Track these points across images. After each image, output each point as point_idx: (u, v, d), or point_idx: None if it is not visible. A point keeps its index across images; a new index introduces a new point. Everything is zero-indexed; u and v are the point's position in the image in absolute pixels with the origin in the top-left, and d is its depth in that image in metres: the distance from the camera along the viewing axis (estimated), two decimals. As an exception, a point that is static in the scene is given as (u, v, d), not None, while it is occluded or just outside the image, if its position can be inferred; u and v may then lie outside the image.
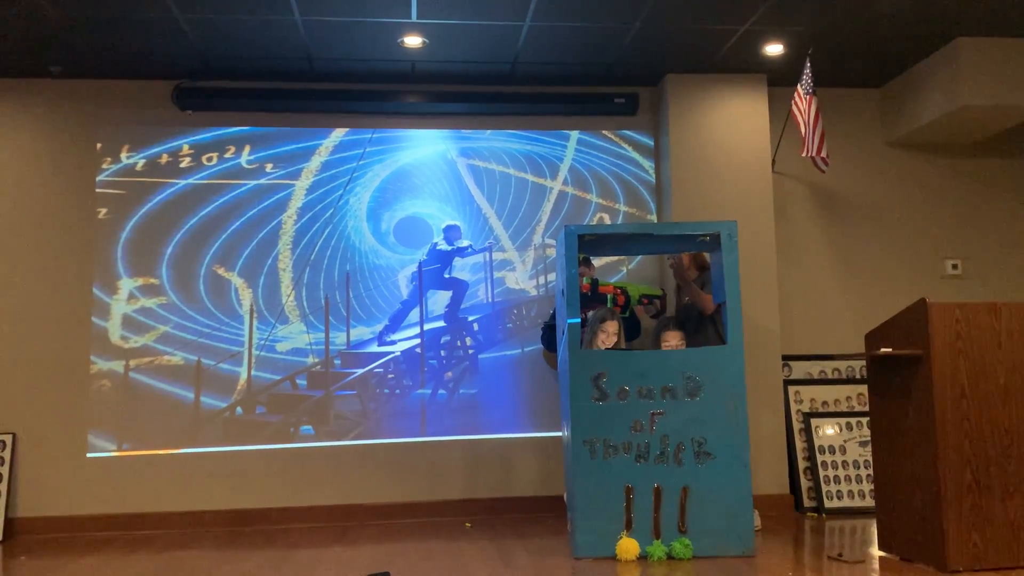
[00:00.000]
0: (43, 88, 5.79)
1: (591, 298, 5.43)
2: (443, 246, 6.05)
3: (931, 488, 3.96)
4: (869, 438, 5.71)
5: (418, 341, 5.94)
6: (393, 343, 5.92)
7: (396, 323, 5.95)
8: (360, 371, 5.86)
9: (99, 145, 5.82)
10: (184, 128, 5.88)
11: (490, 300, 6.06)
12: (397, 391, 5.88)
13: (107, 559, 4.70)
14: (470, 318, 6.02)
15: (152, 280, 5.77)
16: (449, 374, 5.95)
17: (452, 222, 6.07)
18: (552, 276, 6.08)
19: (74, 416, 5.60)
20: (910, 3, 4.92)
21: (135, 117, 5.86)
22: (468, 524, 5.49)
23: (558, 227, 6.08)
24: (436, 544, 4.89)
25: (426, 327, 5.97)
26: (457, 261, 6.06)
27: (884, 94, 6.35)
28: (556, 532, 5.13)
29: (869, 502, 5.64)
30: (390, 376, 5.89)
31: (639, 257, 6.14)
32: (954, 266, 6.32)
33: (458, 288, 6.05)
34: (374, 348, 5.89)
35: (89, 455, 5.58)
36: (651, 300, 5.55)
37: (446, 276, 6.04)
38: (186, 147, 5.89)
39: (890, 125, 6.28)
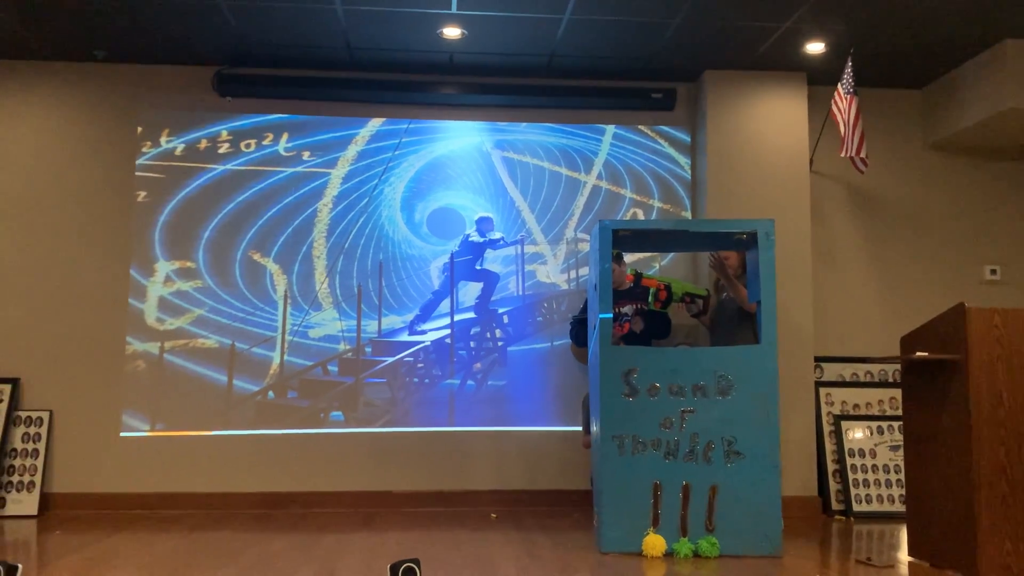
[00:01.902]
0: (87, 72, 5.88)
1: (633, 290, 5.41)
2: (475, 238, 6.07)
3: (964, 495, 3.91)
4: (900, 442, 5.66)
5: (448, 331, 5.97)
6: (424, 333, 5.95)
7: (427, 313, 5.98)
8: (390, 359, 5.89)
9: (139, 129, 5.90)
10: (223, 114, 5.95)
11: (521, 293, 6.07)
12: (426, 380, 5.91)
13: (138, 536, 4.78)
14: (500, 310, 6.04)
15: (188, 264, 5.84)
16: (478, 365, 5.97)
17: (485, 214, 6.08)
18: (584, 270, 6.07)
19: (109, 395, 5.69)
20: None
21: (175, 102, 5.93)
22: (494, 515, 5.52)
23: (591, 221, 6.07)
24: (462, 533, 4.92)
25: (456, 318, 6.00)
26: (489, 253, 6.07)
27: (926, 95, 6.26)
28: (581, 526, 5.13)
29: (898, 507, 5.59)
30: (420, 365, 5.92)
31: (671, 254, 6.11)
32: (993, 271, 6.23)
33: (489, 280, 6.06)
34: (405, 337, 5.93)
35: (123, 434, 5.67)
36: (694, 299, 5.47)
37: (477, 268, 6.06)
38: (225, 133, 5.95)
39: (931, 127, 6.20)
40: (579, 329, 5.67)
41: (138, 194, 5.85)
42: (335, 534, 4.87)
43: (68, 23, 5.25)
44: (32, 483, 5.47)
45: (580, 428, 5.68)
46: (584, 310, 5.66)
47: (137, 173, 5.87)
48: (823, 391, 5.96)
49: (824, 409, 5.93)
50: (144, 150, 5.89)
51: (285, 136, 5.98)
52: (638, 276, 5.39)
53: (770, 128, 5.92)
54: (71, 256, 5.76)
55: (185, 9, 5.05)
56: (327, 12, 5.08)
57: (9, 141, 5.80)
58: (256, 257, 5.89)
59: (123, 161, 5.87)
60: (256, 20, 5.20)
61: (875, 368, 6.10)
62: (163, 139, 5.91)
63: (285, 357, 5.82)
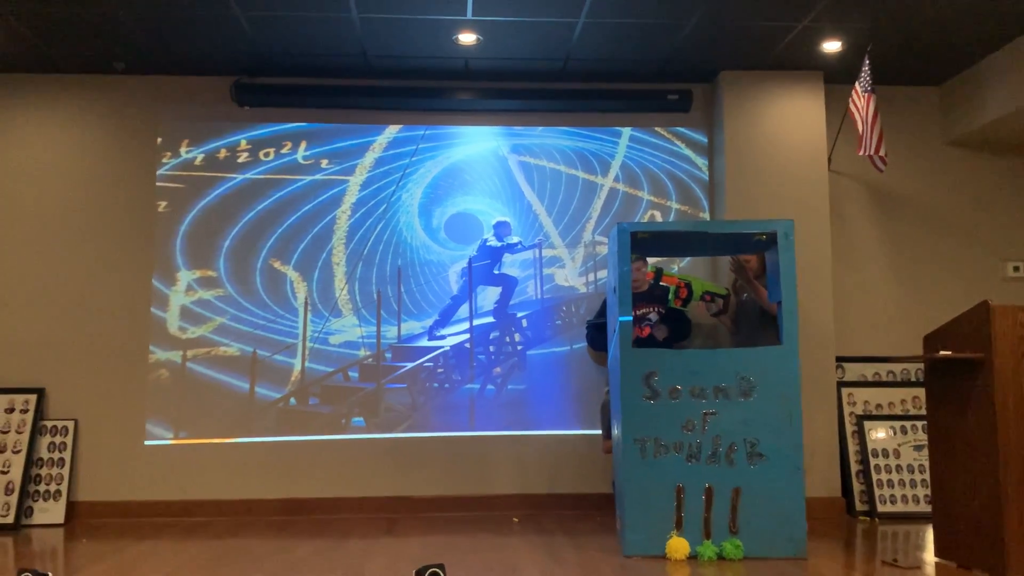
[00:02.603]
0: (107, 83, 5.94)
1: (653, 288, 5.40)
2: (493, 242, 6.08)
3: (991, 494, 3.88)
4: (924, 442, 5.62)
5: (467, 336, 5.98)
6: (443, 338, 5.96)
7: (446, 318, 5.99)
8: (410, 365, 5.91)
9: (159, 140, 5.96)
10: (242, 123, 5.99)
11: (539, 297, 6.07)
12: (446, 385, 5.93)
13: (164, 544, 4.82)
14: (519, 314, 6.04)
15: (210, 272, 5.89)
16: (498, 370, 5.98)
17: (502, 218, 6.09)
18: (602, 273, 6.07)
19: (133, 404, 5.74)
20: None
21: (194, 112, 5.98)
22: (516, 519, 5.52)
23: (608, 224, 6.06)
24: (485, 538, 4.92)
25: (475, 323, 6.01)
26: (507, 257, 6.08)
27: (944, 92, 6.22)
28: (604, 529, 5.13)
29: (923, 507, 5.55)
30: (439, 370, 5.94)
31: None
32: (1016, 268, 6.17)
33: (507, 284, 6.07)
34: (424, 342, 5.95)
35: (147, 442, 5.72)
36: (714, 297, 5.45)
37: (496, 272, 6.07)
38: (244, 142, 6.00)
39: (951, 124, 6.15)
40: (595, 334, 5.66)
41: (159, 204, 5.91)
42: (358, 540, 4.89)
43: (88, 37, 5.32)
44: (58, 492, 5.53)
45: (600, 432, 5.67)
46: (600, 314, 5.66)
47: (158, 183, 5.93)
48: (845, 391, 5.93)
49: (847, 409, 5.89)
50: (164, 160, 5.95)
51: (303, 144, 6.02)
52: (658, 272, 5.37)
53: (787, 128, 5.90)
54: (94, 266, 5.82)
55: (203, 20, 5.10)
56: (344, 21, 5.11)
57: (32, 154, 5.87)
58: (276, 265, 5.93)
59: (144, 172, 5.93)
60: (273, 30, 5.24)
61: (897, 367, 6.06)
62: (183, 149, 5.97)
63: (306, 364, 5.86)
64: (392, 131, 6.09)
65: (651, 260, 5.69)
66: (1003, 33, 5.34)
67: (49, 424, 5.65)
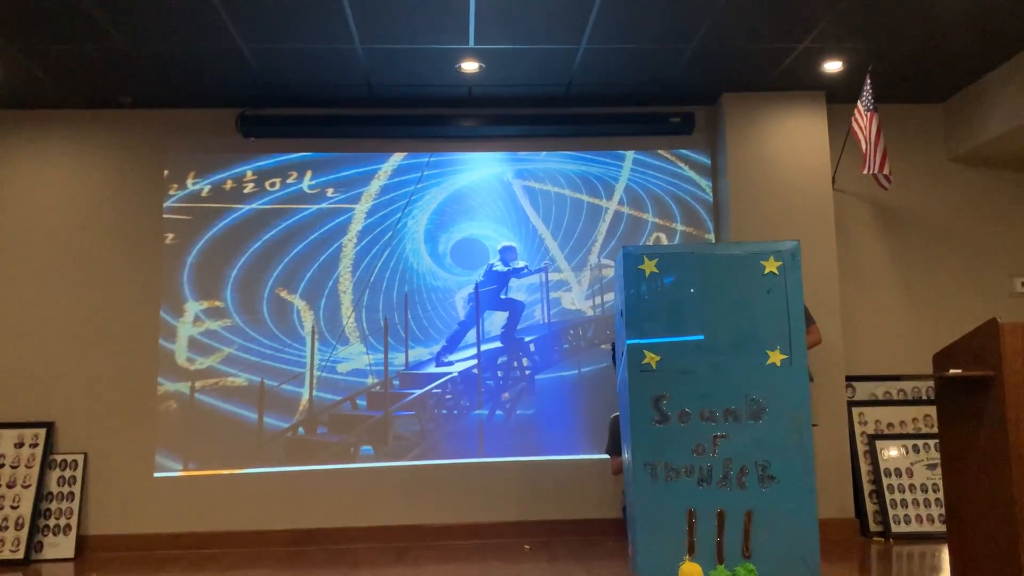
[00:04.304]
0: (114, 118, 6.00)
1: None
2: (499, 267, 6.09)
3: (1006, 512, 3.83)
4: (937, 461, 5.58)
5: (475, 362, 5.97)
6: (451, 364, 5.96)
7: (453, 344, 5.99)
8: (418, 392, 5.91)
9: (166, 172, 6.00)
10: (247, 154, 6.04)
11: (546, 321, 6.07)
12: (455, 412, 5.92)
13: (175, 577, 4.80)
14: (527, 339, 6.04)
15: (217, 303, 5.91)
16: (506, 395, 5.97)
17: (508, 243, 6.11)
18: (609, 296, 6.07)
19: (142, 436, 5.74)
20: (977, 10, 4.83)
21: (200, 145, 6.03)
22: (527, 546, 5.48)
23: (614, 247, 6.07)
24: (496, 566, 4.89)
25: (483, 348, 6.00)
26: (513, 282, 6.09)
27: (947, 109, 6.23)
28: (615, 555, 5.09)
29: (938, 527, 5.49)
30: (448, 397, 5.93)
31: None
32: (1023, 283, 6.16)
33: (514, 309, 6.07)
34: (432, 369, 5.94)
35: (156, 475, 5.71)
36: None
37: (502, 297, 6.07)
38: (249, 173, 6.03)
39: (954, 140, 6.16)
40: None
41: (166, 236, 5.94)
42: (369, 569, 4.87)
43: (94, 72, 5.37)
44: (68, 526, 5.52)
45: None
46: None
47: (165, 216, 5.96)
48: (856, 411, 5.89)
49: (858, 429, 5.85)
50: (171, 192, 5.99)
51: (309, 174, 6.06)
52: None
53: (791, 148, 5.92)
54: (102, 300, 5.84)
55: (208, 54, 5.16)
56: (347, 52, 5.15)
57: (40, 189, 5.92)
58: (283, 294, 5.95)
59: (151, 204, 5.97)
60: (277, 62, 5.29)
61: (908, 386, 6.02)
62: (189, 181, 6.01)
63: (314, 393, 5.85)
64: (397, 159, 6.12)
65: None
66: (1004, 50, 5.35)
67: (59, 458, 5.65)
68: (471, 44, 5.09)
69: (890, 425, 5.89)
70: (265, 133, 5.99)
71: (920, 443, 5.77)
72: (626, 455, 4.66)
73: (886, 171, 5.37)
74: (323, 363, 5.89)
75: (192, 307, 5.89)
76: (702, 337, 4.51)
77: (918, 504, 5.61)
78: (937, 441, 5.37)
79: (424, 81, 5.65)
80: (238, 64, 5.31)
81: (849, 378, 5.91)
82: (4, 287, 5.83)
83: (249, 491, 5.72)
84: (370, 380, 5.90)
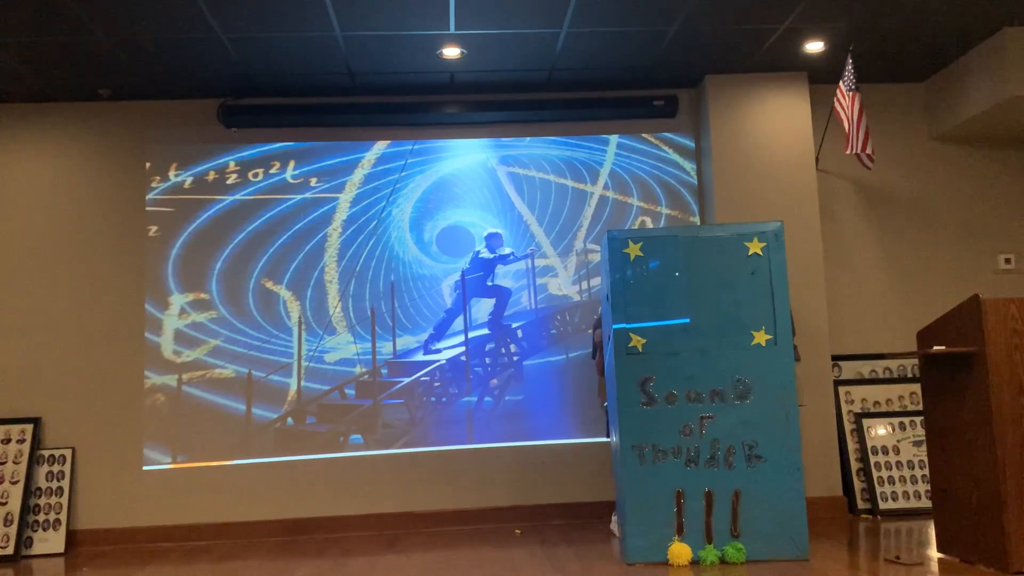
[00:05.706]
0: (93, 111, 5.95)
1: None
2: (485, 254, 6.09)
3: (990, 488, 3.88)
4: (923, 438, 5.63)
5: (463, 349, 5.98)
6: (439, 351, 5.96)
7: (441, 332, 5.99)
8: (407, 380, 5.91)
9: (148, 164, 5.96)
10: (230, 145, 6.00)
11: (533, 307, 6.07)
12: (444, 399, 5.92)
13: (166, 570, 4.80)
14: (514, 325, 6.04)
15: (202, 295, 5.88)
16: (495, 381, 5.98)
17: (494, 230, 6.10)
18: (595, 281, 6.08)
19: (130, 430, 5.72)
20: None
21: (182, 136, 5.99)
22: (518, 531, 5.50)
23: (600, 232, 6.07)
24: (487, 551, 4.91)
25: (471, 335, 6.00)
26: (500, 269, 6.09)
27: (928, 88, 6.25)
28: (606, 538, 5.12)
29: (925, 503, 5.55)
30: (436, 384, 5.93)
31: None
32: (1007, 260, 6.19)
33: (501, 295, 6.07)
34: (420, 357, 5.94)
35: (145, 468, 5.70)
36: None
37: (489, 284, 6.07)
38: (232, 164, 6.00)
39: (936, 119, 6.18)
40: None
41: (149, 228, 5.91)
42: (361, 557, 4.88)
43: (72, 64, 5.32)
44: (58, 521, 5.51)
45: (602, 439, 5.66)
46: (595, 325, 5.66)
47: (148, 208, 5.92)
48: (842, 389, 5.93)
49: (844, 408, 5.90)
50: (153, 185, 5.95)
51: (292, 164, 6.03)
52: None
53: (774, 129, 5.92)
54: (86, 293, 5.81)
55: (186, 43, 5.11)
56: (327, 39, 5.12)
57: (20, 182, 5.87)
58: (269, 285, 5.93)
59: (133, 197, 5.93)
60: (257, 51, 5.26)
61: (894, 364, 6.07)
62: (171, 173, 5.97)
63: (302, 383, 5.85)
64: (380, 147, 6.10)
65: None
66: (983, 28, 5.37)
67: (46, 453, 5.63)
68: (452, 30, 5.06)
69: (876, 403, 5.93)
70: (247, 123, 5.95)
71: (906, 420, 5.82)
72: (614, 438, 4.69)
73: (869, 151, 5.38)
74: (311, 353, 5.88)
75: (177, 300, 5.87)
76: (688, 320, 4.53)
77: (905, 481, 5.66)
78: (923, 418, 5.42)
79: (406, 68, 5.62)
80: (218, 54, 5.27)
81: (835, 357, 5.95)
82: (-13, 283, 5.79)
83: (239, 482, 5.71)
84: (358, 369, 5.90)
